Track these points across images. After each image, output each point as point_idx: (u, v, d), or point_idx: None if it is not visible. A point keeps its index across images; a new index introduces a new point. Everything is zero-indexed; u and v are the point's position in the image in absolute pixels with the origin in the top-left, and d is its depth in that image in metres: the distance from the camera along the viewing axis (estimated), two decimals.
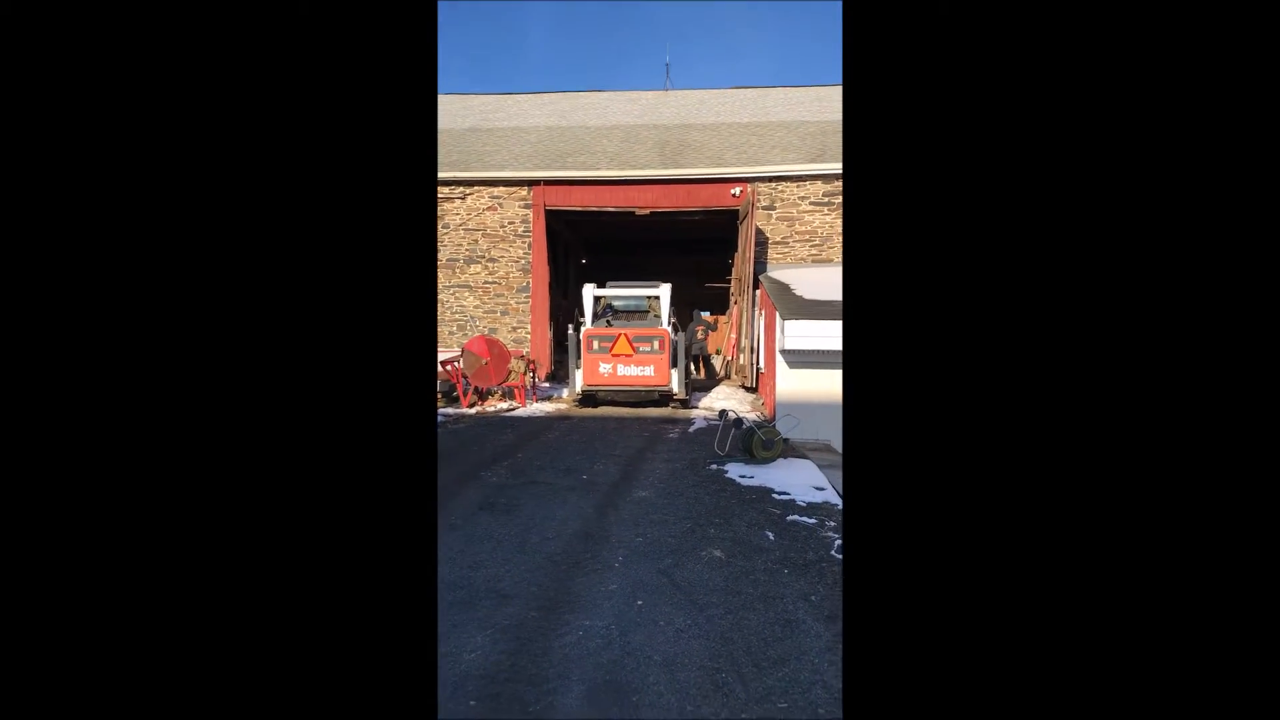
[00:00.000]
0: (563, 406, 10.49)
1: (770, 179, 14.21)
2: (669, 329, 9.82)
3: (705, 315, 15.20)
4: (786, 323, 7.51)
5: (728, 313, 18.14)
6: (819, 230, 14.55)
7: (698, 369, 14.93)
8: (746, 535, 4.51)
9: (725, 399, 11.23)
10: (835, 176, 14.38)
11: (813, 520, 4.83)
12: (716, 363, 16.61)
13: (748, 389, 12.36)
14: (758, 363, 11.70)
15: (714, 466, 6.30)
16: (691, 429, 8.42)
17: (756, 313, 11.97)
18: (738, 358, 13.93)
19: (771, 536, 4.49)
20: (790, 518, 4.90)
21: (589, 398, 10.10)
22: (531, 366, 10.98)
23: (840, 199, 14.28)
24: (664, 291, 10.42)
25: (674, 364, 9.66)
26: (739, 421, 6.82)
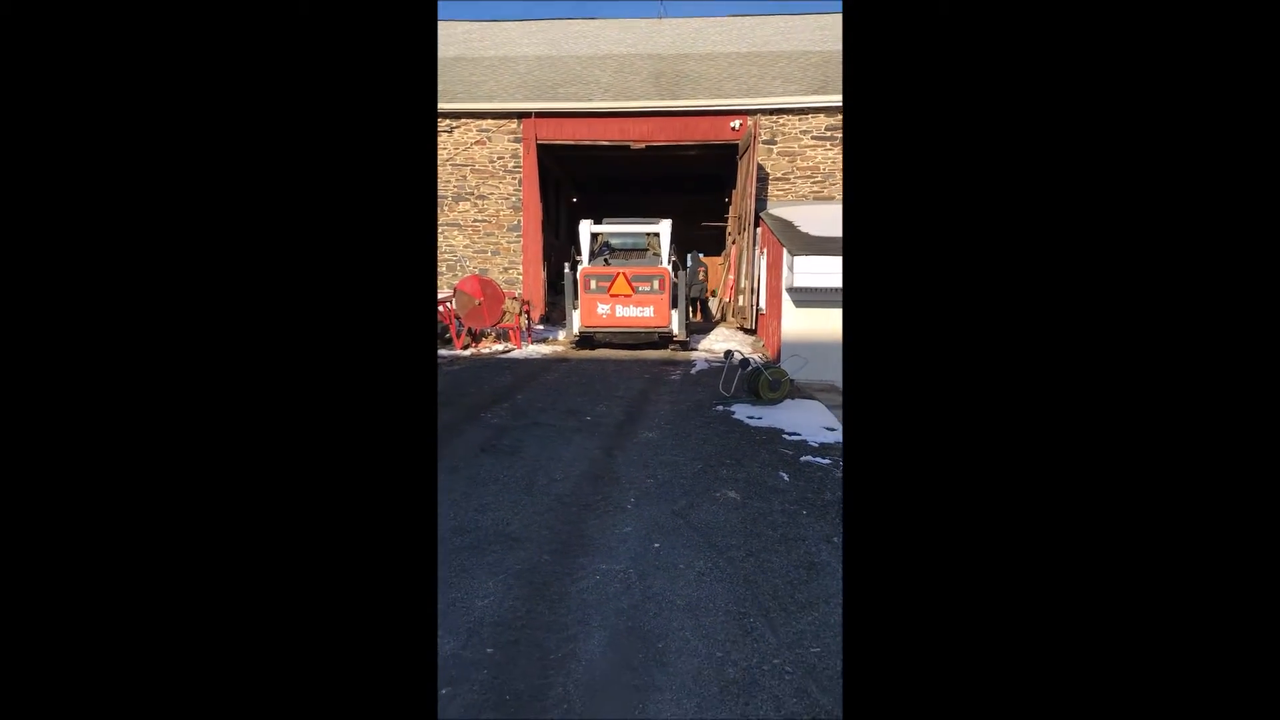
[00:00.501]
0: (559, 349, 10.26)
1: (771, 112, 13.65)
2: (669, 268, 9.52)
3: (700, 257, 14.84)
4: (796, 259, 7.25)
5: (723, 254, 17.77)
6: (821, 166, 14.10)
7: (694, 312, 14.68)
8: (760, 476, 4.38)
9: (725, 341, 11.05)
10: (839, 109, 13.85)
11: (827, 461, 4.70)
12: (712, 305, 16.37)
13: (746, 331, 12.16)
14: (758, 304, 11.47)
15: (720, 408, 6.14)
16: (693, 370, 8.25)
17: (757, 252, 11.67)
18: (736, 299, 13.68)
19: (786, 478, 4.36)
20: (804, 458, 4.77)
21: (586, 340, 9.86)
22: (526, 308, 10.68)
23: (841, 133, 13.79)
24: (664, 228, 10.05)
25: (674, 305, 9.40)
26: (745, 362, 6.64)
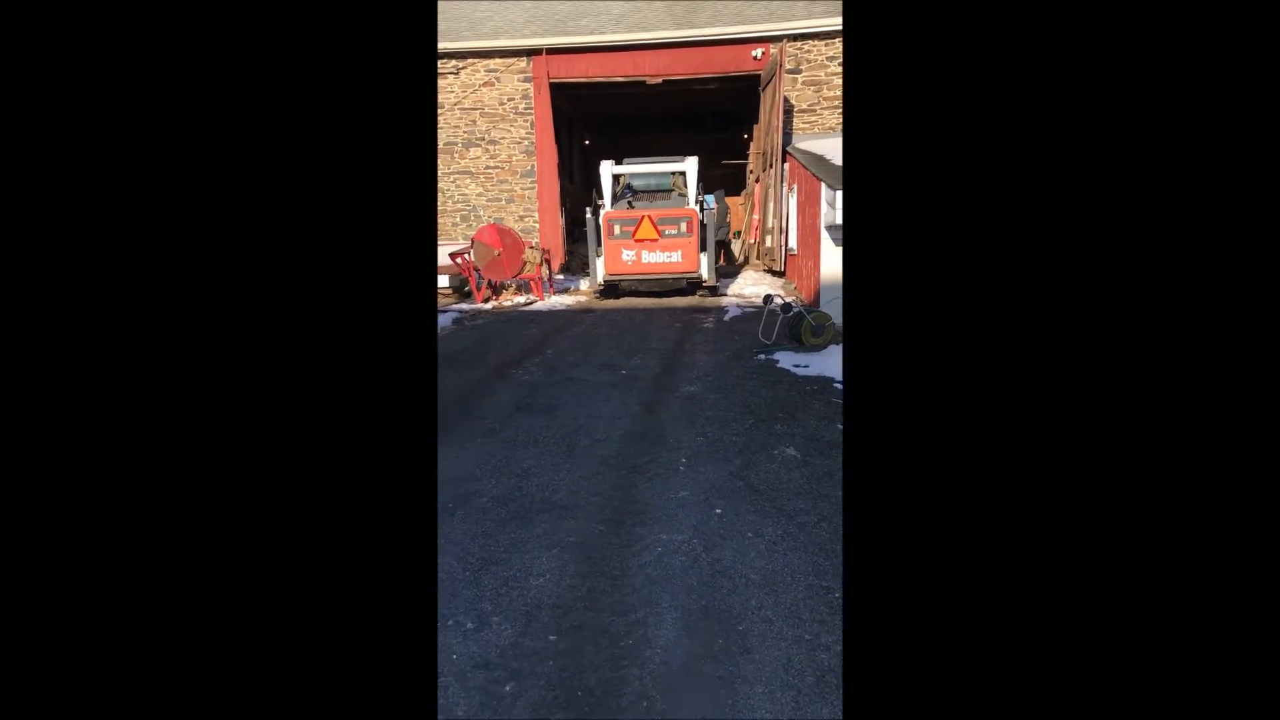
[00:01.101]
0: (583, 299, 9.92)
1: (795, 37, 12.83)
2: (697, 209, 9.04)
3: (722, 196, 14.24)
4: (838, 194, 6.79)
5: (744, 193, 17.10)
6: None
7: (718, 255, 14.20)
8: (818, 430, 4.09)
9: (754, 285, 10.63)
10: None
11: None
12: (735, 247, 15.84)
13: (775, 273, 11.70)
14: (787, 244, 11.00)
15: (762, 357, 5.82)
16: (727, 317, 7.90)
17: (785, 189, 11.12)
18: (762, 240, 13.17)
19: None
20: None
21: (611, 288, 9.49)
22: (546, 257, 10.30)
23: None
24: (690, 166, 9.51)
25: (703, 248, 8.96)
26: (787, 307, 6.27)
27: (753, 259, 14.48)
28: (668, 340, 6.70)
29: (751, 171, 16.79)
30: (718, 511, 3.08)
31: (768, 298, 6.44)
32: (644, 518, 3.04)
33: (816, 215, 7.98)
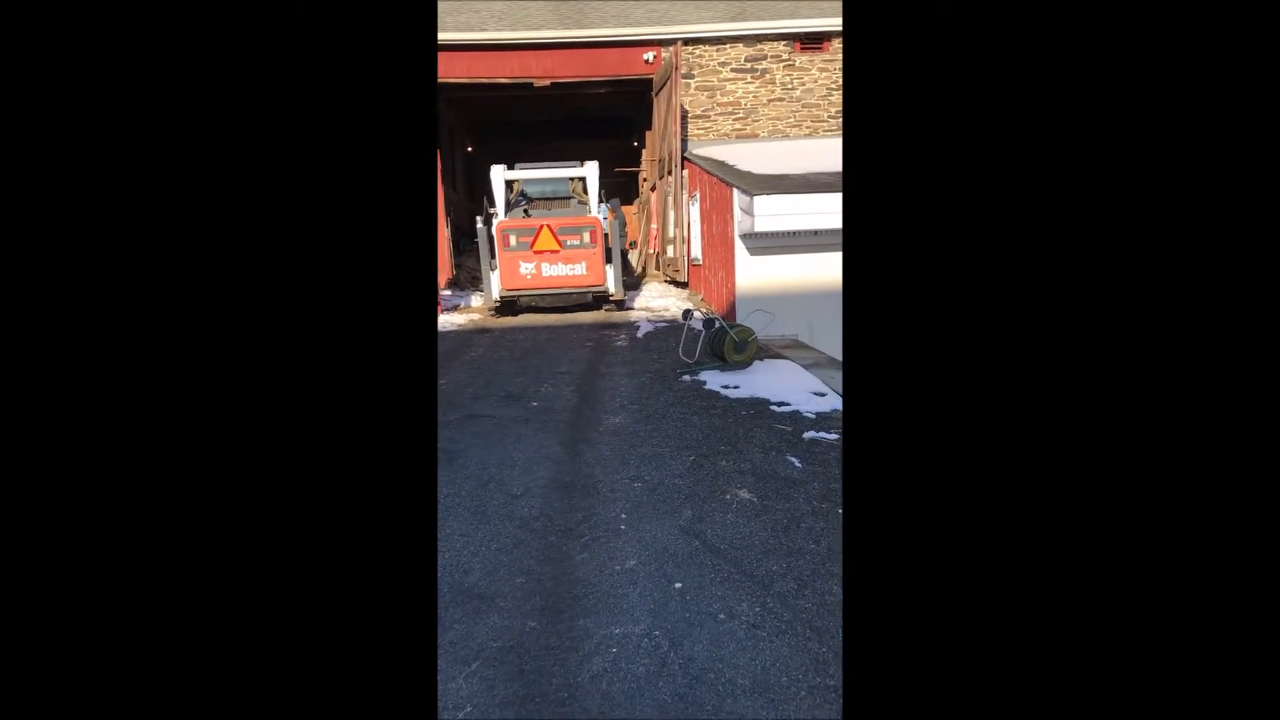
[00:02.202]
0: (476, 317, 9.10)
1: (687, 41, 12.67)
2: (600, 217, 8.50)
3: (618, 205, 13.83)
4: (757, 200, 6.46)
5: (637, 202, 16.80)
6: (742, 101, 13.34)
7: None
8: (767, 464, 3.64)
9: (661, 296, 10.24)
10: (758, 38, 13.05)
11: (833, 435, 4.03)
12: (633, 258, 15.48)
13: (678, 284, 11.38)
14: (689, 254, 10.71)
15: (687, 378, 5.36)
16: (640, 333, 7.40)
17: (686, 196, 10.83)
18: (663, 250, 12.85)
19: (797, 463, 3.65)
20: (806, 434, 4.08)
21: (508, 304, 8.74)
22: None
23: (763, 65, 13.06)
24: (590, 171, 8.96)
25: (608, 259, 8.43)
26: (710, 322, 5.85)
27: (651, 269, 14.15)
28: (579, 362, 6.11)
29: (645, 179, 16.51)
30: (677, 586, 2.53)
31: (687, 313, 5.99)
32: (586, 603, 2.44)
33: (726, 223, 7.67)
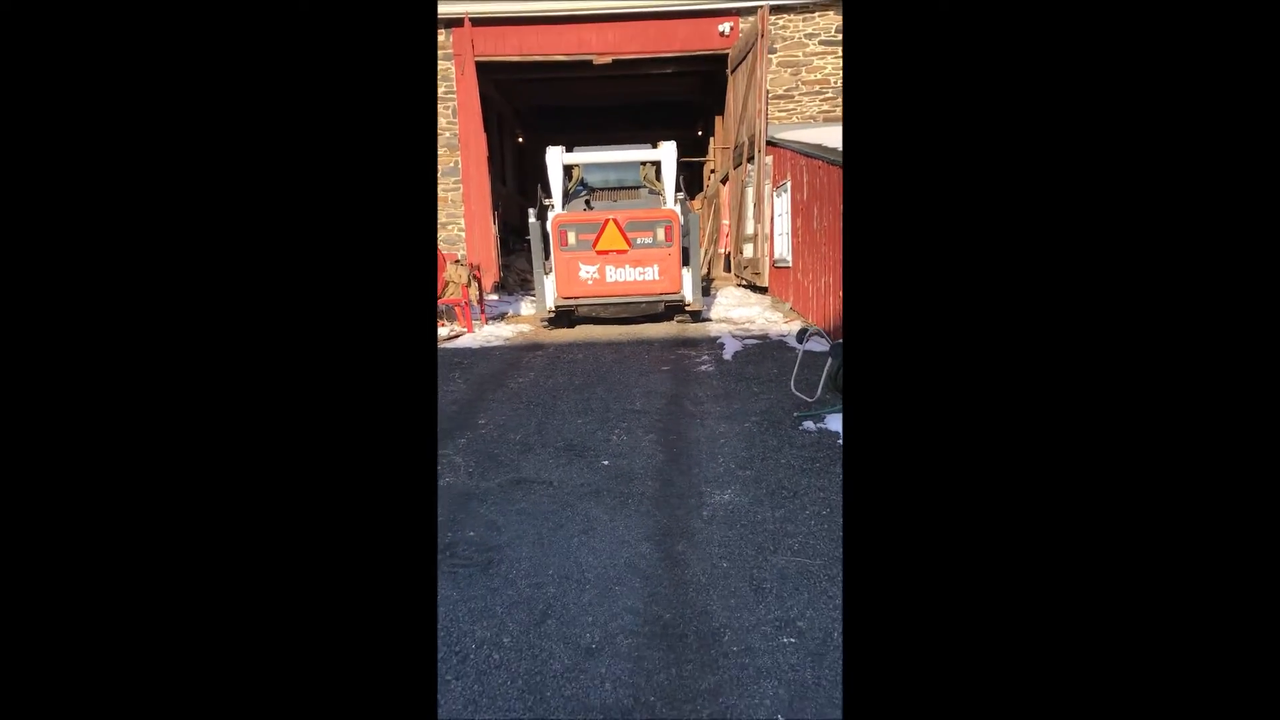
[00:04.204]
0: (525, 329, 7.95)
1: (770, 8, 11.29)
2: (677, 209, 7.22)
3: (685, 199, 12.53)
4: None
5: (701, 195, 15.47)
6: (832, 79, 11.88)
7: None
8: None
9: (740, 305, 8.91)
10: None
11: None
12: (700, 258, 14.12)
13: (756, 289, 10.03)
14: (773, 254, 9.36)
15: (811, 425, 4.02)
16: (726, 354, 6.10)
17: (770, 187, 9.48)
18: (736, 249, 11.51)
19: None
20: None
21: (563, 314, 7.55)
22: (476, 274, 8.29)
23: None
24: (667, 154, 7.65)
25: (685, 261, 7.15)
26: (837, 348, 4.49)
27: (718, 271, 12.82)
28: (657, 395, 4.84)
29: (713, 171, 15.20)
30: None
31: (803, 332, 4.65)
32: None
33: (836, 216, 6.31)
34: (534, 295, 7.75)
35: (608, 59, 11.83)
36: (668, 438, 3.94)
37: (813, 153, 7.26)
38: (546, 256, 7.26)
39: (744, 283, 10.84)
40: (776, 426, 4.04)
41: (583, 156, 7.79)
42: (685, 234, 7.19)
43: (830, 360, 4.30)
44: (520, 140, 16.54)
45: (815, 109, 11.93)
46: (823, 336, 4.53)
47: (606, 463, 3.59)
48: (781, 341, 6.51)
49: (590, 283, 7.06)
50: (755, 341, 6.54)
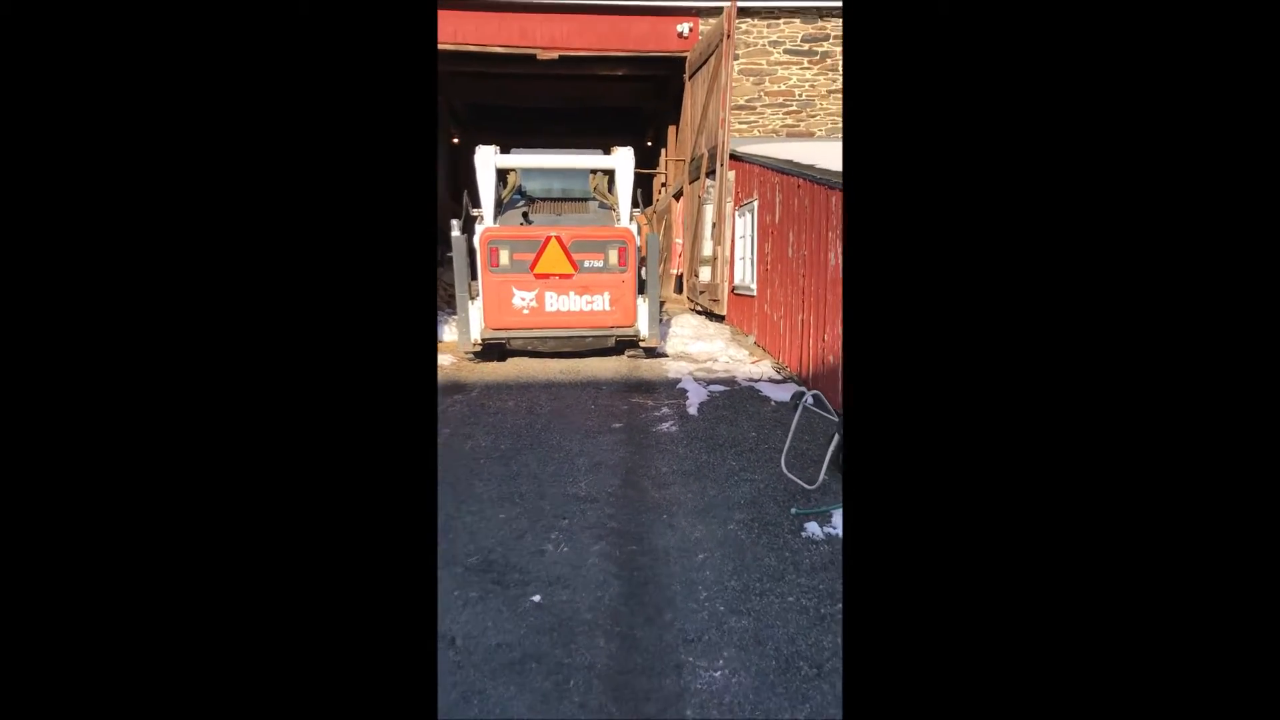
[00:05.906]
0: (445, 361, 6.79)
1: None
2: (633, 228, 6.22)
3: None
4: None
5: (650, 210, 14.53)
6: (797, 91, 11.22)
7: None
8: None
9: (698, 338, 7.95)
10: (820, 13, 10.94)
11: None
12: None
13: (713, 317, 9.13)
14: (733, 279, 8.49)
15: (817, 529, 3.06)
16: (691, 405, 5.10)
17: (733, 206, 8.62)
18: (690, 272, 10.60)
19: None
20: None
21: (492, 348, 6.43)
22: None
23: (825, 47, 10.94)
24: (623, 162, 6.60)
25: (641, 290, 6.16)
26: (837, 417, 3.56)
27: (670, 292, 11.90)
28: (608, 469, 3.80)
29: (665, 184, 14.31)
30: None
31: (798, 395, 3.71)
32: None
33: (820, 244, 5.43)
34: (458, 319, 6.60)
35: (553, 54, 10.85)
36: (624, 548, 2.91)
37: (790, 170, 6.40)
38: (473, 278, 6.13)
39: (699, 309, 9.94)
40: (770, 530, 3.06)
41: (521, 160, 6.64)
42: (642, 258, 6.19)
43: (836, 436, 3.36)
44: (455, 141, 15.32)
45: (778, 122, 11.21)
46: (824, 405, 3.58)
47: (538, 598, 2.52)
48: (752, 388, 5.57)
49: (526, 312, 5.98)
50: (722, 389, 5.59)
